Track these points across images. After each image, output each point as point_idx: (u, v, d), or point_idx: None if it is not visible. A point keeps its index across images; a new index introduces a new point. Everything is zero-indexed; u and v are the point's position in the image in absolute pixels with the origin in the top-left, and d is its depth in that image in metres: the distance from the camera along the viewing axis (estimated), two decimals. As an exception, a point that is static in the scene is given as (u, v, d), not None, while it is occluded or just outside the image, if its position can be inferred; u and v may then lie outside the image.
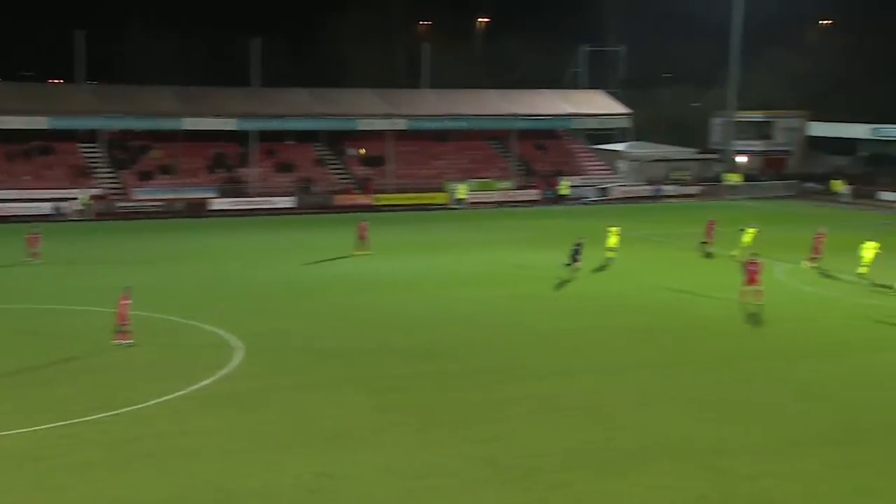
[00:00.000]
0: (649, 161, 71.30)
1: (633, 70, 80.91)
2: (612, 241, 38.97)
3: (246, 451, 18.40)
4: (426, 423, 19.99)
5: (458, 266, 39.15)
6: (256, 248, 44.04)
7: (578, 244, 36.16)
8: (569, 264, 35.86)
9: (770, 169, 74.98)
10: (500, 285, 34.96)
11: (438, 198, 63.98)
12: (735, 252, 40.11)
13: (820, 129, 74.56)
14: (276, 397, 21.58)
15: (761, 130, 77.90)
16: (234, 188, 63.00)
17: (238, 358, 24.59)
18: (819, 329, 28.56)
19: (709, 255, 41.31)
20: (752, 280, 31.14)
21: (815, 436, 19.45)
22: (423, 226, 53.44)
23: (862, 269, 36.19)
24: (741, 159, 76.24)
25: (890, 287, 33.59)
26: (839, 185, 67.25)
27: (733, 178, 70.66)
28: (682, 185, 69.76)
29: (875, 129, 69.33)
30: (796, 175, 73.57)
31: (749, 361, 24.89)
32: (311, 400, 21.41)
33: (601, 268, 37.65)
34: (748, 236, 40.68)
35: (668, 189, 68.55)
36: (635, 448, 18.70)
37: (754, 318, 29.82)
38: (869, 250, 36.53)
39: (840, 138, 72.99)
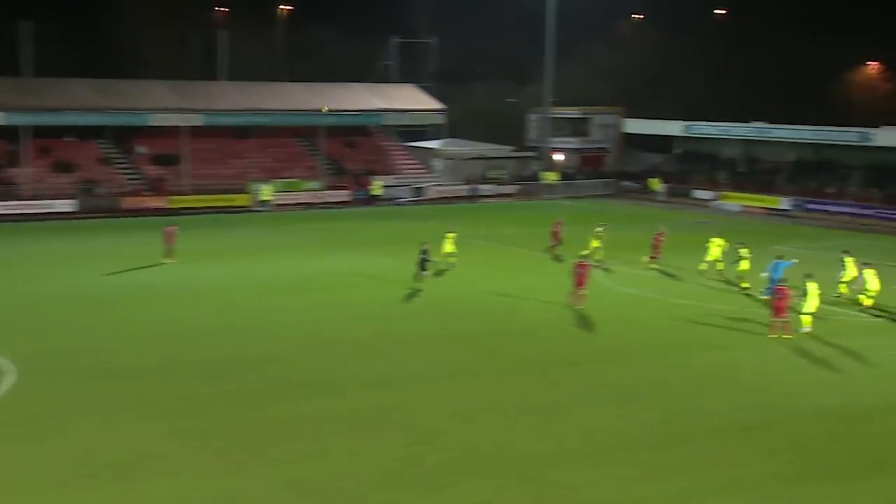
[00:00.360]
0: (465, 159, 72.54)
1: (447, 63, 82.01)
2: (448, 246, 39.22)
3: (15, 490, 17.18)
4: (226, 447, 19.35)
5: (264, 273, 38.46)
6: (34, 258, 41.57)
7: (425, 251, 35.86)
8: (420, 273, 35.43)
9: (587, 167, 77.82)
10: (310, 293, 34.55)
11: (240, 199, 62.65)
12: (586, 252, 41.50)
13: (635, 125, 78.06)
14: (51, 426, 20.32)
15: (578, 127, 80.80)
16: (3, 190, 59.27)
17: (8, 383, 23.03)
18: (639, 331, 29.81)
19: (558, 259, 42.50)
20: (580, 283, 32.14)
21: (635, 440, 20.20)
22: (224, 230, 52.17)
23: (703, 266, 38.17)
24: (558, 157, 78.87)
25: (739, 286, 35.47)
26: (656, 184, 70.79)
27: (550, 177, 72.96)
28: (500, 184, 71.38)
29: (688, 126, 73.34)
30: (614, 173, 76.83)
31: (568, 366, 25.63)
32: (94, 427, 20.30)
33: (438, 273, 37.77)
34: (598, 237, 42.28)
35: (485, 188, 69.97)
36: (453, 461, 18.80)
37: (576, 322, 30.77)
38: (716, 247, 38.80)
39: (655, 135, 76.77)
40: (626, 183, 74.62)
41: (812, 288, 29.62)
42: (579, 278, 32.18)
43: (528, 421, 21.18)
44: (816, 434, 20.62)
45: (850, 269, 34.33)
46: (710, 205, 66.42)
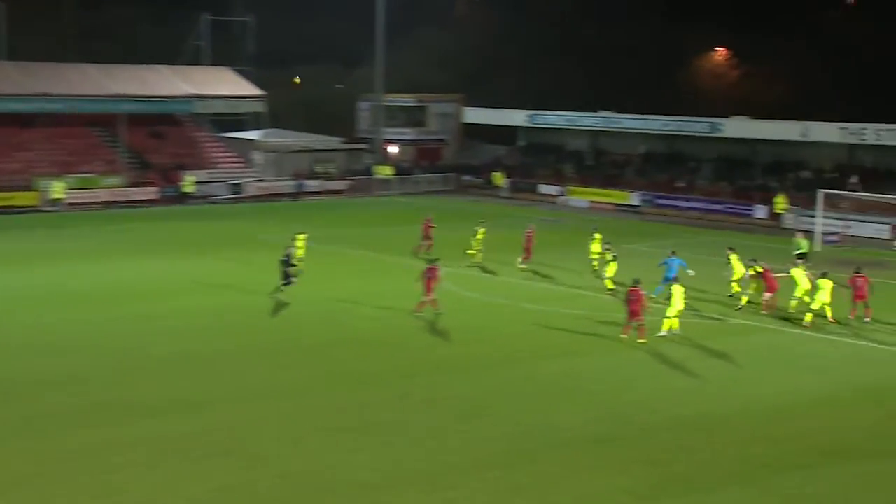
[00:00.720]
0: (289, 152, 71.98)
1: (266, 45, 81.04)
2: (300, 250, 38.82)
3: None
4: (9, 484, 18.60)
5: (57, 282, 37.18)
6: None
7: (288, 255, 35.28)
8: (286, 285, 34.73)
9: (424, 160, 78.61)
10: (112, 304, 33.61)
11: (26, 198, 60.18)
12: (473, 251, 42.48)
13: (476, 115, 79.23)
14: None
15: (413, 116, 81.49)
16: None
17: None
18: (486, 339, 30.39)
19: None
20: (428, 288, 32.52)
21: (480, 459, 20.59)
22: (8, 233, 50.06)
23: (595, 264, 39.39)
24: (392, 149, 79.34)
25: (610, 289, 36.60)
26: (499, 178, 72.22)
27: (384, 171, 73.32)
28: (329, 179, 71.24)
29: (532, 115, 75.10)
30: (453, 167, 77.88)
31: (406, 379, 25.86)
32: None
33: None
34: (480, 236, 42.60)
35: (313, 184, 69.68)
36: (281, 488, 18.68)
37: (420, 331, 31.06)
38: (596, 244, 40.63)
39: (497, 126, 78.21)
40: (467, 177, 75.75)
41: (677, 290, 30.90)
42: (427, 283, 32.50)
43: (363, 441, 21.26)
44: (670, 445, 21.53)
45: (738, 267, 35.83)
46: (556, 200, 68.26)
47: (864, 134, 58.13)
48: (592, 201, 66.66)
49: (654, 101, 70.90)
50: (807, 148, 62.04)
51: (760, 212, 59.50)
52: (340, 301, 34.58)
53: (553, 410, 23.60)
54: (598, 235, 41.24)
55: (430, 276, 32.53)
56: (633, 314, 29.71)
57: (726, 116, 65.76)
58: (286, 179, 69.59)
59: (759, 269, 35.11)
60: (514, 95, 79.72)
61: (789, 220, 56.81)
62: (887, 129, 57.27)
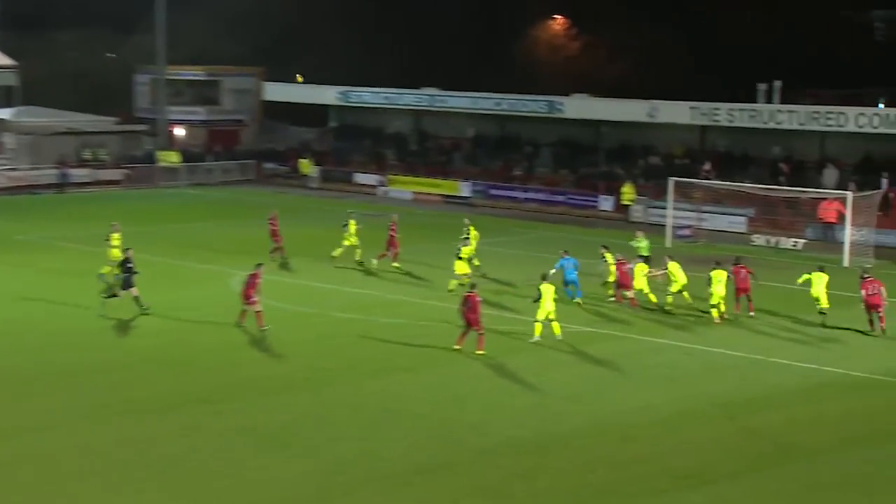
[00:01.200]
0: (50, 134, 69.85)
1: (17, 4, 77.91)
2: (115, 251, 37.99)
3: None
4: None
5: None
6: None
7: (128, 258, 34.51)
8: (112, 296, 33.96)
9: (218, 145, 77.63)
10: None
11: None
12: (336, 253, 42.68)
13: (279, 91, 78.66)
14: None
15: (204, 93, 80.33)
16: None
17: None
18: (291, 355, 30.39)
19: (285, 265, 42.30)
20: (247, 296, 32.43)
21: (285, 498, 20.58)
22: None
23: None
24: (179, 132, 78.05)
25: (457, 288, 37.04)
26: (307, 166, 72.03)
27: (170, 158, 72.13)
28: (100, 167, 69.54)
29: (345, 93, 75.15)
30: (253, 153, 77.29)
31: (198, 406, 25.63)
32: None
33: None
34: (352, 230, 43.11)
35: (81, 173, 67.85)
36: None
37: (218, 347, 30.76)
38: (475, 239, 41.93)
39: (305, 105, 77.88)
40: (270, 165, 75.33)
41: (547, 290, 31.94)
42: (247, 290, 32.45)
43: (149, 481, 21.00)
44: (506, 472, 22.02)
45: (613, 266, 37.80)
46: (376, 191, 68.60)
47: (716, 115, 60.49)
48: (417, 192, 67.25)
49: (485, 78, 71.89)
50: (655, 130, 64.18)
51: (606, 203, 61.30)
52: (79, 309, 33.93)
53: (372, 437, 23.78)
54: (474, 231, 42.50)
55: (249, 283, 32.49)
56: (470, 323, 30.20)
57: (566, 94, 67.30)
58: (46, 168, 67.47)
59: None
60: (324, 70, 79.50)
61: (637, 213, 58.72)
62: (741, 110, 59.80)
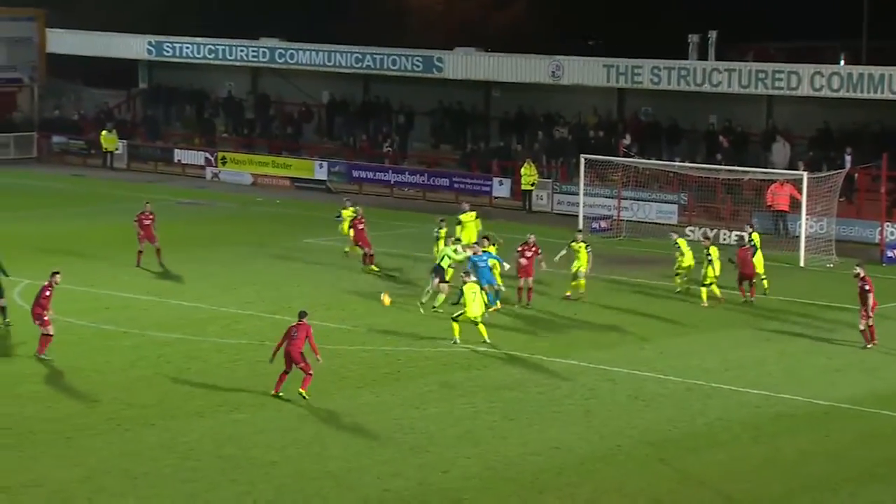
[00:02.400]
0: None
1: None
2: None
3: None
4: None
5: None
6: None
7: None
8: None
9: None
10: None
11: None
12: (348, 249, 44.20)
13: (68, 42, 77.05)
14: None
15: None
16: None
17: None
18: (93, 388, 29.93)
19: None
20: (38, 315, 31.96)
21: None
22: None
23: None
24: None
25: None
26: (111, 141, 70.71)
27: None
28: None
29: (157, 43, 73.90)
30: (34, 123, 75.92)
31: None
32: None
33: None
34: (347, 219, 44.62)
35: None
36: None
37: (24, 375, 30.20)
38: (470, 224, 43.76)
39: (105, 59, 76.47)
40: (59, 139, 73.94)
41: (470, 290, 33.05)
42: (37, 308, 32.06)
43: None
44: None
45: (584, 255, 40.26)
46: (204, 173, 67.90)
47: (637, 74, 60.95)
48: (258, 175, 66.68)
49: (343, 27, 71.57)
50: (561, 95, 64.47)
51: (501, 188, 61.32)
52: None
53: (204, 493, 23.56)
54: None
55: (41, 298, 32.27)
56: (294, 361, 29.56)
57: (447, 49, 67.29)
58: None
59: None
60: (129, 13, 78.29)
61: (541, 200, 59.01)
62: (668, 68, 60.27)
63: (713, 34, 61.09)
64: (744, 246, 40.80)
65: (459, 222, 43.78)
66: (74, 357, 32.41)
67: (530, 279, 39.27)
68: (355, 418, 28.34)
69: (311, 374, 29.13)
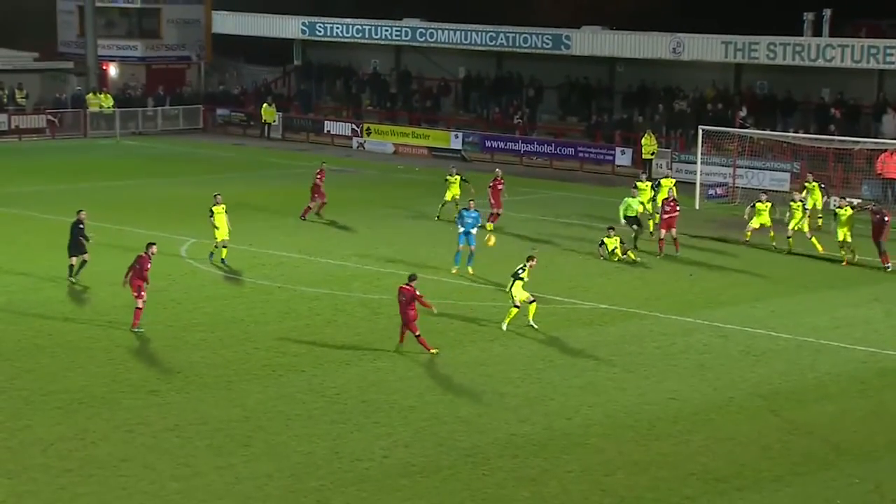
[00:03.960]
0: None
1: None
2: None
3: None
4: None
5: None
6: None
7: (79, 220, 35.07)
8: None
9: (159, 87, 77.10)
10: None
11: None
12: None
13: (231, 22, 78.06)
14: None
15: (140, 23, 79.54)
16: None
17: None
18: (247, 337, 30.42)
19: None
20: (137, 287, 30.71)
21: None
22: None
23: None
24: (113, 71, 77.61)
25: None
26: (270, 113, 71.49)
27: (102, 103, 71.62)
28: (18, 112, 69.11)
29: (310, 24, 74.64)
30: (201, 97, 76.94)
31: (140, 397, 25.64)
32: None
33: None
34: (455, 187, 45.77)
35: (-3, 122, 67.71)
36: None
37: (187, 326, 30.81)
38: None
39: (262, 39, 77.41)
40: (222, 112, 74.96)
41: (514, 290, 31.65)
42: (135, 278, 30.65)
43: (86, 484, 21.04)
44: (507, 475, 22.16)
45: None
46: (350, 143, 68.46)
47: (754, 50, 60.37)
48: (398, 144, 67.08)
49: (479, 7, 71.53)
50: (681, 70, 64.01)
51: (623, 157, 61.20)
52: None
53: (347, 435, 23.93)
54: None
55: (139, 269, 30.67)
56: (404, 323, 29.78)
57: (575, 27, 67.10)
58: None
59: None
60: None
61: (661, 169, 58.69)
62: (783, 44, 59.59)
63: (827, 12, 60.28)
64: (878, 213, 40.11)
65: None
66: (235, 309, 33.05)
67: (673, 231, 40.35)
68: (487, 368, 28.55)
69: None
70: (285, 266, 38.35)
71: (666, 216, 40.72)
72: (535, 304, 31.63)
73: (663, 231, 40.74)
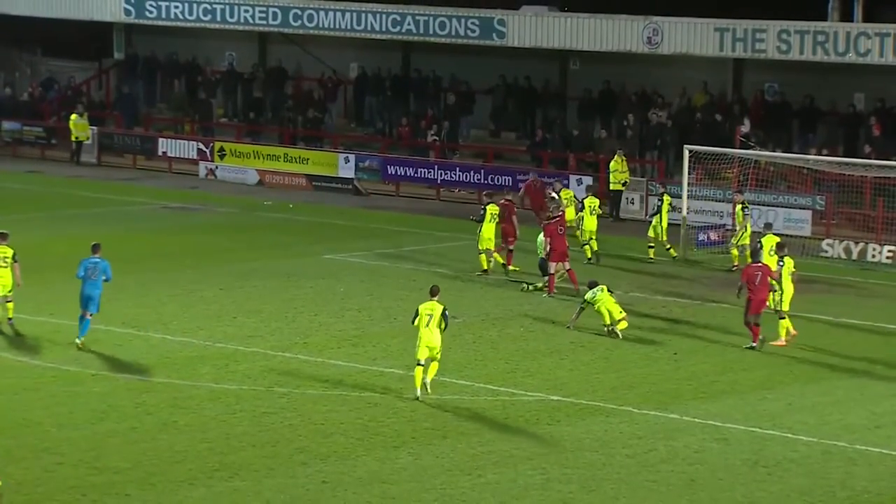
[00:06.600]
0: None
1: None
2: None
3: None
4: None
5: None
6: None
7: None
8: None
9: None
10: None
11: None
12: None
13: (20, 1, 77.35)
14: None
15: None
16: None
17: None
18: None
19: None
20: None
21: None
22: None
23: None
24: None
25: None
26: (82, 128, 70.47)
27: None
28: None
29: (134, 3, 74.28)
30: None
31: None
32: None
33: None
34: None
35: None
36: None
37: None
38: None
39: (69, 22, 76.54)
40: (11, 125, 74.73)
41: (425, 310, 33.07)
42: None
43: None
44: None
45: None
46: (197, 169, 68.63)
47: (760, 40, 60.65)
48: (266, 171, 66.98)
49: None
50: (660, 67, 64.51)
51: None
52: None
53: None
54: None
55: None
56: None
57: (513, 8, 67.25)
58: None
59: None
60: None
61: (633, 205, 58.80)
62: (800, 32, 59.66)
63: (859, -10, 60.85)
64: None
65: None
66: (29, 408, 32.65)
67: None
68: (390, 487, 28.40)
69: None
70: (103, 344, 37.99)
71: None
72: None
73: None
